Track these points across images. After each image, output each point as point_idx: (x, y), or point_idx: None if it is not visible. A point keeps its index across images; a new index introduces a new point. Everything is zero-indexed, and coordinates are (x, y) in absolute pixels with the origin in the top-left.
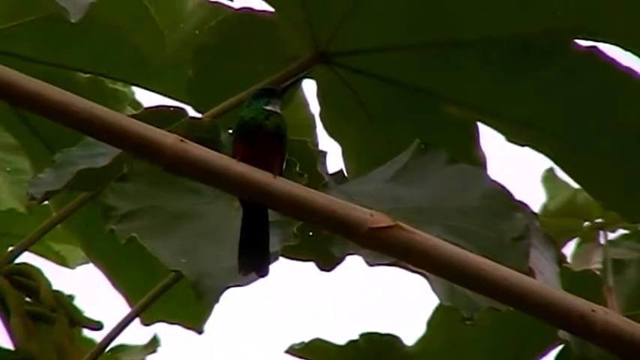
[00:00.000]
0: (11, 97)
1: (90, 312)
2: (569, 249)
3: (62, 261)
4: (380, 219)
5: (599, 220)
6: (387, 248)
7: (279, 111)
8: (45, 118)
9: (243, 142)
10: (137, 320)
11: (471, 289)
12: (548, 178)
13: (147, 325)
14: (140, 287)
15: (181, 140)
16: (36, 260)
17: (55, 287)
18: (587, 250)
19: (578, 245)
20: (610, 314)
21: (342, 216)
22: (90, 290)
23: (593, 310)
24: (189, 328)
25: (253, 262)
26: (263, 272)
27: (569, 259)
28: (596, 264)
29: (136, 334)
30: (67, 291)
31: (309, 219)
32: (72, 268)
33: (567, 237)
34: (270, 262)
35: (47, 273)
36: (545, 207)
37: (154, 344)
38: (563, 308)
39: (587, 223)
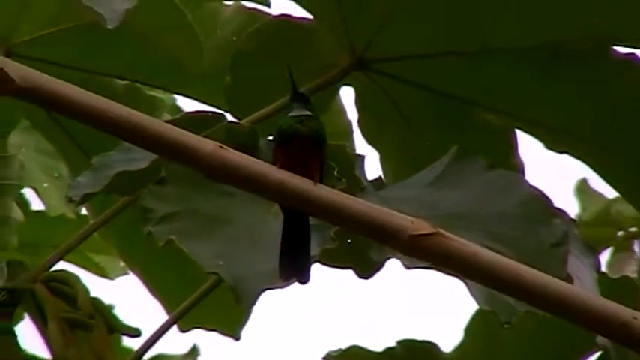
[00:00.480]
0: (49, 103)
1: (129, 321)
2: (603, 258)
3: (102, 272)
4: (421, 226)
5: (633, 229)
6: (427, 255)
7: (310, 114)
8: (82, 123)
9: (281, 149)
10: (175, 328)
11: (510, 296)
12: (581, 189)
13: (184, 331)
14: (178, 294)
15: (220, 147)
16: (76, 271)
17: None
18: (622, 259)
19: (613, 254)
20: None
21: (382, 223)
22: (130, 300)
23: (635, 318)
24: (226, 334)
25: (294, 268)
26: (304, 278)
27: (603, 269)
28: (630, 272)
29: (175, 343)
30: (106, 301)
31: (348, 225)
32: (111, 278)
33: (601, 246)
34: (310, 268)
35: (87, 283)
36: (578, 218)
37: (193, 353)
38: (604, 315)
39: (621, 233)
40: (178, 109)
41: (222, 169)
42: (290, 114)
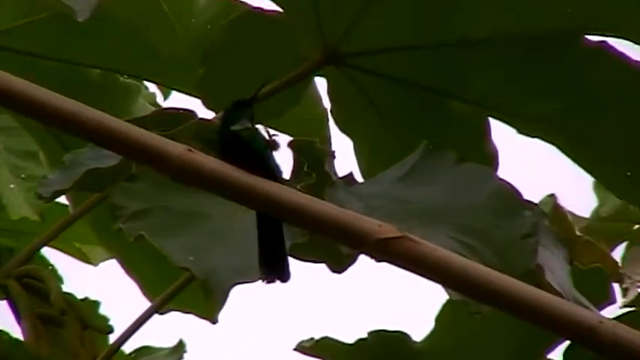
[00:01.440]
0: (16, 106)
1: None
2: (619, 252)
3: (85, 258)
4: (388, 230)
5: None
6: (394, 259)
7: (247, 125)
8: (53, 127)
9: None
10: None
11: (478, 301)
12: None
13: (161, 314)
14: (158, 281)
15: (189, 150)
16: (59, 256)
17: (81, 284)
18: (638, 254)
19: (628, 248)
20: (618, 326)
21: (348, 226)
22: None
23: (601, 322)
24: (203, 317)
25: (274, 269)
26: (284, 277)
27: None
28: None
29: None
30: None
31: (316, 229)
32: (94, 265)
33: (618, 240)
34: (289, 267)
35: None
36: (596, 212)
37: (180, 349)
38: (571, 320)
39: (637, 226)
40: (154, 95)
41: (190, 172)
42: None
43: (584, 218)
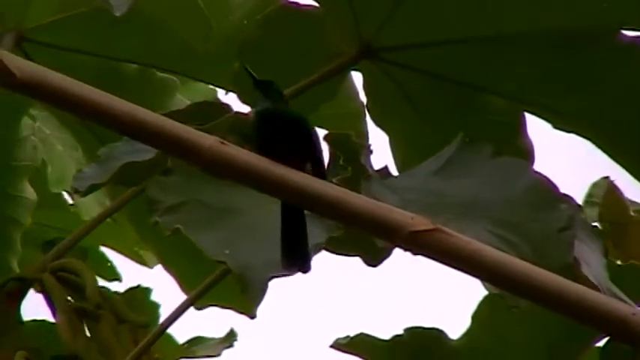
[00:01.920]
0: (50, 98)
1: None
2: None
3: (141, 260)
4: (421, 222)
5: None
6: (427, 252)
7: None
8: (84, 119)
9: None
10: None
11: (511, 293)
12: None
13: (199, 309)
14: (194, 274)
15: (221, 142)
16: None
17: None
18: None
19: None
20: None
21: (381, 219)
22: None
23: (634, 314)
24: (241, 312)
25: (295, 259)
26: (305, 268)
27: None
28: None
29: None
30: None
31: (348, 221)
32: (150, 267)
33: None
34: (311, 259)
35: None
36: None
37: (230, 338)
38: (604, 312)
39: None
40: (215, 91)
41: (221, 164)
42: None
43: (636, 203)
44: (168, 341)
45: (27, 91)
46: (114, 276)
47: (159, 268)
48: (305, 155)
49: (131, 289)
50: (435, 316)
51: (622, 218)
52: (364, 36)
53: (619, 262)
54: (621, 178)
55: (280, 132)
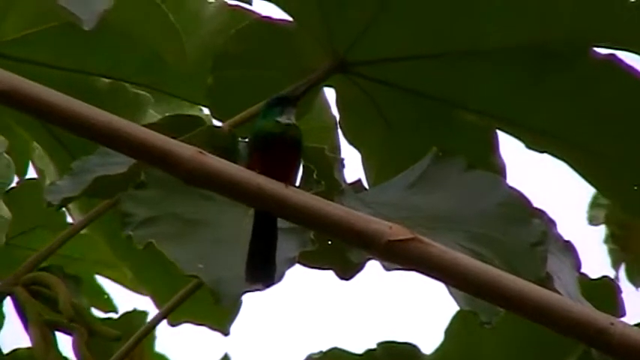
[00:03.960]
0: (27, 107)
1: None
2: None
3: (136, 287)
4: (398, 231)
5: None
6: (405, 261)
7: (294, 120)
8: (61, 128)
9: (260, 155)
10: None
11: (489, 302)
12: None
13: (173, 325)
14: (166, 288)
15: (200, 152)
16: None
17: None
18: None
19: None
20: (628, 327)
21: (359, 228)
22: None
23: (612, 324)
24: (215, 329)
25: (260, 272)
26: (269, 282)
27: None
28: None
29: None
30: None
31: (326, 231)
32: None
33: None
34: (274, 273)
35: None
36: None
37: None
38: (581, 322)
39: None
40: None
41: (201, 174)
42: (277, 118)
43: None
44: None
45: (3, 99)
46: (110, 308)
47: None
48: (292, 171)
49: (126, 313)
50: (408, 331)
51: (628, 220)
52: (338, 50)
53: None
54: None
55: (283, 149)
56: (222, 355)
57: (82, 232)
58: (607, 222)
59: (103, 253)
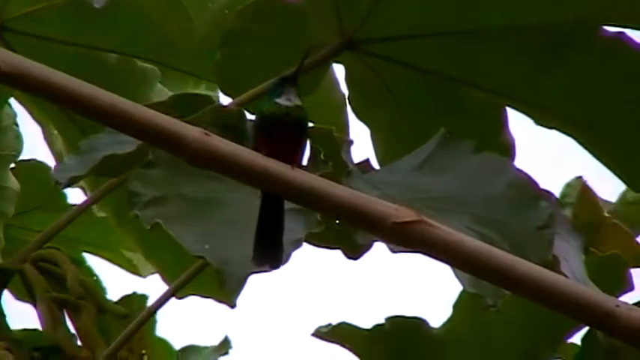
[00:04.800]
0: (34, 89)
1: None
2: None
3: (134, 269)
4: (404, 213)
5: None
6: (410, 243)
7: (295, 100)
8: (68, 110)
9: (264, 137)
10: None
11: (495, 284)
12: None
13: (180, 298)
14: (175, 265)
15: (206, 134)
16: (108, 267)
17: None
18: None
19: None
20: (633, 310)
21: (365, 210)
22: None
23: (617, 306)
24: (221, 301)
25: (267, 254)
26: (276, 264)
27: None
28: None
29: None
30: None
31: (332, 213)
32: (143, 276)
33: None
34: (282, 255)
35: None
36: (623, 196)
37: (225, 346)
38: (587, 304)
39: None
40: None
41: (206, 156)
42: (277, 99)
43: (610, 202)
44: (164, 347)
45: (10, 81)
46: None
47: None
48: (297, 153)
49: (126, 296)
50: (417, 305)
51: (596, 219)
52: (346, 28)
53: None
54: (596, 175)
55: (286, 132)
56: (222, 338)
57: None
58: (574, 220)
59: (98, 235)
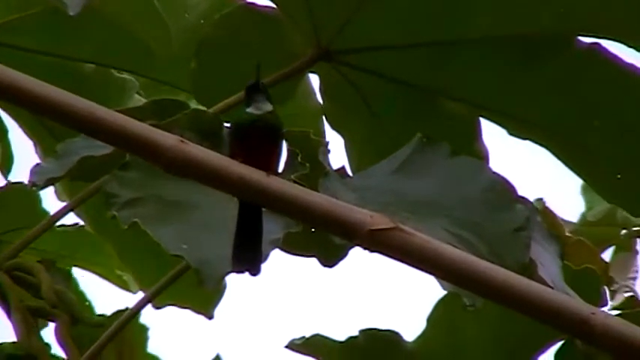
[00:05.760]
0: (8, 96)
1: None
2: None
3: (124, 285)
4: (380, 220)
5: (636, 229)
6: (386, 250)
7: (265, 107)
8: (45, 117)
9: (238, 145)
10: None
11: (471, 292)
12: (588, 188)
13: (158, 308)
14: (152, 272)
15: (182, 141)
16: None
17: None
18: (624, 259)
19: (615, 253)
20: (609, 317)
21: (340, 217)
22: None
23: (593, 313)
24: (199, 312)
25: (246, 260)
26: (255, 271)
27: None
28: (633, 273)
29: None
30: None
31: (307, 219)
32: (133, 292)
33: (604, 245)
34: (261, 262)
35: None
36: (583, 216)
37: None
38: (563, 312)
39: (624, 232)
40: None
41: (182, 163)
42: (247, 109)
43: (571, 223)
44: None
45: None
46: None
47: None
48: (273, 159)
49: (118, 311)
50: (391, 318)
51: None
52: (322, 38)
53: None
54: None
55: (259, 138)
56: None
57: (70, 229)
58: None
59: (91, 250)
